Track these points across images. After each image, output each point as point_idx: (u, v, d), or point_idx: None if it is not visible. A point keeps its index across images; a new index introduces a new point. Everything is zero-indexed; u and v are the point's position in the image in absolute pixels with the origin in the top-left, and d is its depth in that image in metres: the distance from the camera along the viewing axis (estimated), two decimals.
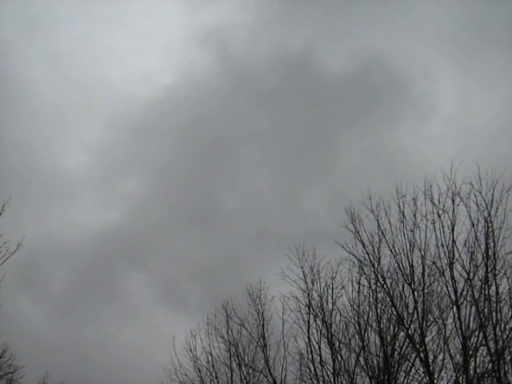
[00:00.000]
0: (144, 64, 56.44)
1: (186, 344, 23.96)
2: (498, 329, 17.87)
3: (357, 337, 20.66)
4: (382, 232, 19.94)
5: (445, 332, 19.04)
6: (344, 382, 20.76)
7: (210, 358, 23.34)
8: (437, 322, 19.34)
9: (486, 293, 18.26)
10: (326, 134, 39.82)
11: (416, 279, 19.38)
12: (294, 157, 39.73)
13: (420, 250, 19.34)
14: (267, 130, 41.19)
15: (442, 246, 18.96)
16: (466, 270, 18.61)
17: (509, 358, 17.88)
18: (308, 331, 21.70)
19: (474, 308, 18.43)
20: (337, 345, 21.06)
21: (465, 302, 18.65)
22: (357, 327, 20.64)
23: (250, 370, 22.76)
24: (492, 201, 18.61)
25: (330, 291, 21.63)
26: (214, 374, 23.11)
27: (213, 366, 23.22)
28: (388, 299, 20.04)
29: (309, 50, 43.96)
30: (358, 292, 20.90)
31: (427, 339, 19.24)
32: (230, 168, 40.89)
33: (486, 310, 18.23)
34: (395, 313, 19.82)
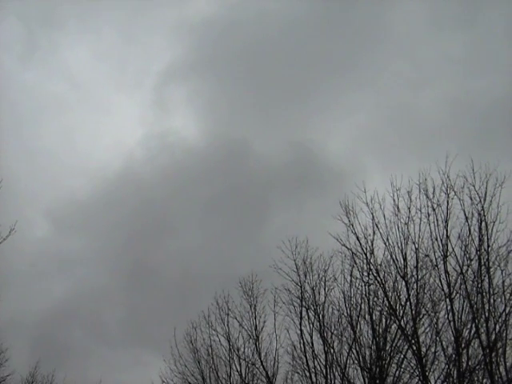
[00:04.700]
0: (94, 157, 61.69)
1: (187, 335, 23.99)
2: (490, 322, 18.00)
3: (349, 329, 20.69)
4: (376, 225, 19.99)
5: (437, 324, 19.15)
6: (336, 373, 20.81)
7: (209, 351, 23.34)
8: (429, 315, 19.42)
9: (479, 286, 18.36)
10: (257, 205, 44.30)
11: (409, 272, 19.42)
12: (226, 223, 44.35)
13: (414, 243, 19.37)
14: (204, 202, 46.02)
15: (436, 239, 19.02)
16: (459, 264, 18.67)
17: (501, 350, 17.99)
18: (300, 324, 21.74)
19: (466, 301, 18.50)
20: (329, 337, 21.11)
21: (458, 294, 18.74)
22: (349, 319, 20.68)
23: (243, 363, 22.76)
24: (485, 194, 18.66)
25: (322, 283, 21.67)
26: (213, 366, 23.08)
27: (212, 358, 23.19)
28: (381, 291, 20.08)
29: (247, 140, 49.29)
30: (350, 284, 20.95)
31: (419, 331, 19.30)
32: (166, 237, 45.62)
33: (478, 303, 18.33)
34: (388, 305, 19.87)
